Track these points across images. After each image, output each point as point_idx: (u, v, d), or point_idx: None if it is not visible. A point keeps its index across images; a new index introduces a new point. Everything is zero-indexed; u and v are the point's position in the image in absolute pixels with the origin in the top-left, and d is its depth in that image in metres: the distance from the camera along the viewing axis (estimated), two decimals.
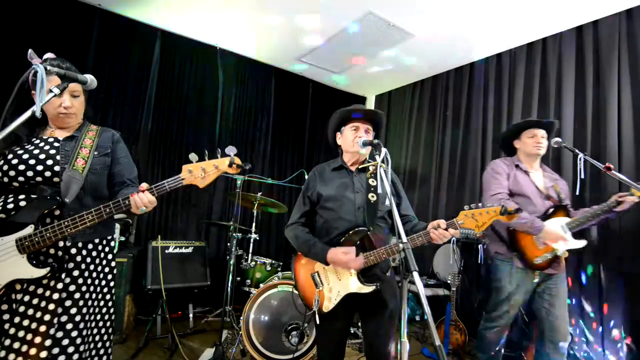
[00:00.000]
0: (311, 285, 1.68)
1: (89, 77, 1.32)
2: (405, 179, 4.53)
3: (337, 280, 1.64)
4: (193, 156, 1.29)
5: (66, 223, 1.26)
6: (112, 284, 1.51)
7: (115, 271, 1.53)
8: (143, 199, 1.28)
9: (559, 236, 2.03)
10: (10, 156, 1.33)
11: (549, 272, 2.11)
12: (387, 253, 1.56)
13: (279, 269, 3.14)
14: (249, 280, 3.07)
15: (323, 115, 4.85)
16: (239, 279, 3.18)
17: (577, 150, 2.11)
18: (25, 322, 1.24)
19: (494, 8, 2.91)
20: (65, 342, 1.27)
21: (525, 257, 2.09)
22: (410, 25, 3.27)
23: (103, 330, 1.45)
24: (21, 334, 1.23)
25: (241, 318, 2.50)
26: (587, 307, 2.66)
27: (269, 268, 3.10)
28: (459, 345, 2.92)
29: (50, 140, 1.42)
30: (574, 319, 2.66)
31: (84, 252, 1.39)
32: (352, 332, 3.10)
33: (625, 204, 1.95)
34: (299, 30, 3.54)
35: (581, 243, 2.05)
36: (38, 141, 1.41)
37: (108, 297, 1.48)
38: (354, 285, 1.60)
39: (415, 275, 1.05)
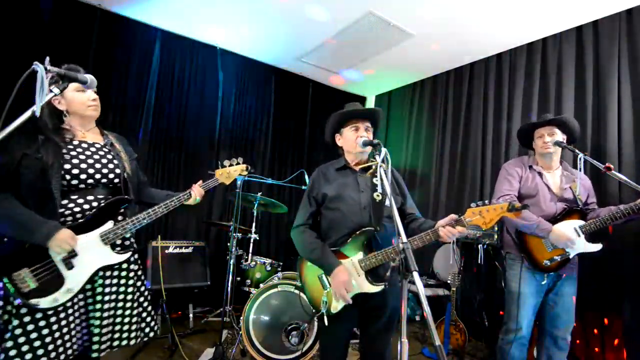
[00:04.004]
0: (319, 286, 1.67)
1: (89, 77, 1.32)
2: (405, 178, 4.51)
3: None
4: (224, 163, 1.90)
5: (143, 215, 1.53)
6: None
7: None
8: (202, 192, 1.77)
9: (568, 238, 1.96)
10: (75, 160, 1.45)
11: (565, 273, 2.08)
12: (394, 253, 1.56)
13: (279, 269, 3.14)
14: (249, 280, 3.07)
15: (323, 115, 4.79)
16: (239, 279, 3.18)
17: (577, 151, 2.08)
18: (114, 297, 1.52)
19: (494, 8, 2.91)
20: (140, 309, 1.63)
21: (534, 259, 2.06)
22: (410, 25, 3.26)
23: (150, 300, 1.74)
24: (113, 304, 1.51)
25: (241, 318, 2.50)
26: (587, 308, 2.65)
27: (269, 268, 3.10)
28: (459, 345, 2.92)
29: (98, 145, 1.56)
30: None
31: (134, 240, 1.68)
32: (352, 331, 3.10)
33: None
34: (299, 30, 3.54)
35: (596, 247, 1.99)
36: (85, 145, 1.52)
37: (142, 275, 1.75)
38: (363, 285, 1.59)
39: (415, 275, 1.05)
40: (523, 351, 2.11)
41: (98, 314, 1.46)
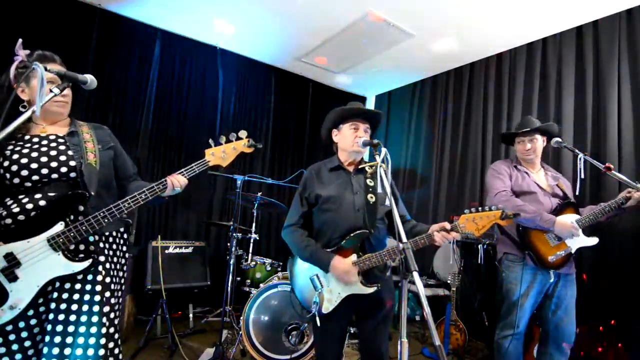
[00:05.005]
0: (310, 287, 1.67)
1: (89, 77, 1.32)
2: (405, 178, 4.53)
3: (337, 282, 1.63)
4: (212, 142, 1.49)
5: (103, 213, 1.27)
6: (125, 275, 1.52)
7: (127, 263, 1.54)
8: (180, 180, 1.41)
9: (573, 226, 1.96)
10: (15, 156, 1.26)
11: (563, 272, 2.07)
12: (389, 255, 1.56)
13: (279, 269, 3.14)
14: (249, 280, 3.07)
15: (323, 116, 4.74)
16: (239, 279, 3.18)
17: (577, 150, 2.09)
18: (73, 318, 1.22)
19: (494, 8, 2.91)
20: (112, 330, 1.30)
21: (539, 255, 2.03)
22: (410, 25, 3.26)
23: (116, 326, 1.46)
24: (71, 328, 1.22)
25: (241, 318, 2.50)
26: (587, 307, 2.65)
27: (269, 268, 3.10)
28: (459, 345, 2.92)
29: (52, 137, 1.36)
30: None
31: (107, 245, 1.40)
32: (352, 332, 3.10)
33: (633, 200, 1.91)
34: (299, 30, 3.54)
35: (593, 240, 2.01)
36: (36, 139, 1.33)
37: (122, 287, 1.48)
38: (356, 287, 1.59)
39: (415, 275, 1.05)
40: (518, 346, 2.14)
41: (47, 346, 1.19)
